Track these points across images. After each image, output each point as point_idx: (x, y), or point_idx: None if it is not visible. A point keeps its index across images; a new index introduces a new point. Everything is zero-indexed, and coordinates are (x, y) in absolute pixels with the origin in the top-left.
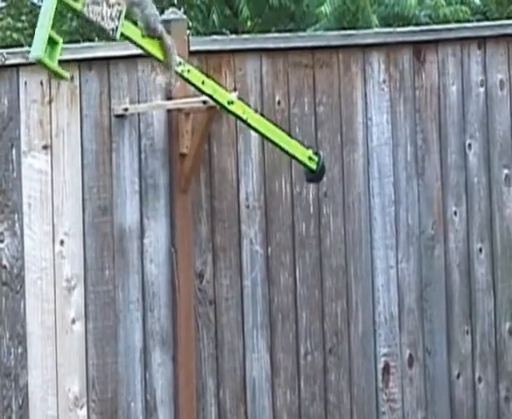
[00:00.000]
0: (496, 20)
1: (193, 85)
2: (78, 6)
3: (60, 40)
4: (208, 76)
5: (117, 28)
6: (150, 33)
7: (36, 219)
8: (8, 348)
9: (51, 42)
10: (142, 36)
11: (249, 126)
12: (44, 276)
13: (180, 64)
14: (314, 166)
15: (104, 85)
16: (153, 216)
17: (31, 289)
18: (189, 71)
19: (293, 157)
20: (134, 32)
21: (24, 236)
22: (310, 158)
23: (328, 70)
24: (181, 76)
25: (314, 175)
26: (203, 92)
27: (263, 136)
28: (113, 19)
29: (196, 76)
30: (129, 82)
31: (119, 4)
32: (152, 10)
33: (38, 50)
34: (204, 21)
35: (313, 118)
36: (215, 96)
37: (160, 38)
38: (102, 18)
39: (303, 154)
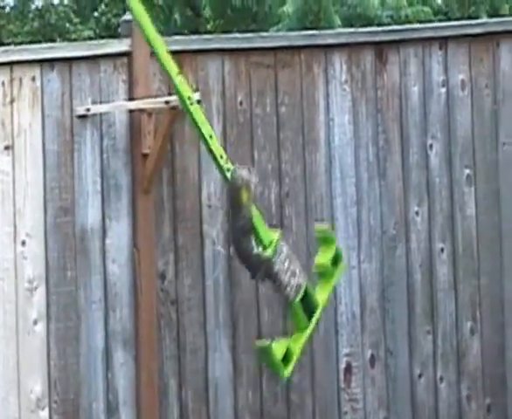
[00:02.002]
0: (457, 20)
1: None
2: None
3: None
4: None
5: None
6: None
7: None
8: None
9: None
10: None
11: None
12: (5, 277)
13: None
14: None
15: (66, 86)
16: (115, 217)
17: None
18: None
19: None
20: None
21: None
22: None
23: (290, 70)
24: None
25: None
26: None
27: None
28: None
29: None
30: (91, 82)
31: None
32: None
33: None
34: (166, 21)
35: (275, 118)
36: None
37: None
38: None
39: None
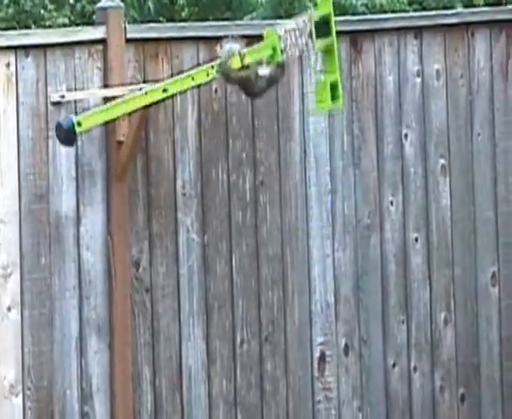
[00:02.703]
0: (433, 10)
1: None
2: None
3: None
4: (144, 64)
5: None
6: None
7: None
8: None
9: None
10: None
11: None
12: None
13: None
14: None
15: (41, 73)
16: (89, 204)
17: None
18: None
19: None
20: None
21: None
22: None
23: None
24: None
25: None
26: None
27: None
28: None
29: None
30: (66, 69)
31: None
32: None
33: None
34: (141, 8)
35: (249, 106)
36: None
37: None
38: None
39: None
